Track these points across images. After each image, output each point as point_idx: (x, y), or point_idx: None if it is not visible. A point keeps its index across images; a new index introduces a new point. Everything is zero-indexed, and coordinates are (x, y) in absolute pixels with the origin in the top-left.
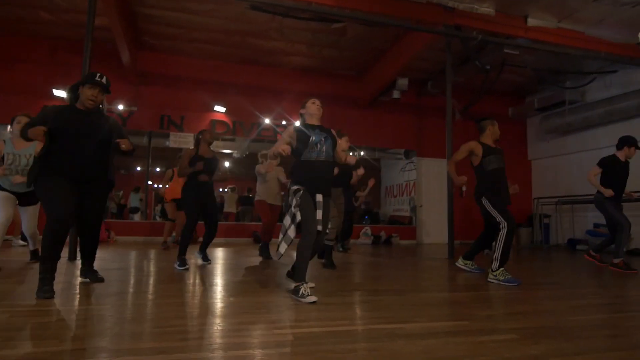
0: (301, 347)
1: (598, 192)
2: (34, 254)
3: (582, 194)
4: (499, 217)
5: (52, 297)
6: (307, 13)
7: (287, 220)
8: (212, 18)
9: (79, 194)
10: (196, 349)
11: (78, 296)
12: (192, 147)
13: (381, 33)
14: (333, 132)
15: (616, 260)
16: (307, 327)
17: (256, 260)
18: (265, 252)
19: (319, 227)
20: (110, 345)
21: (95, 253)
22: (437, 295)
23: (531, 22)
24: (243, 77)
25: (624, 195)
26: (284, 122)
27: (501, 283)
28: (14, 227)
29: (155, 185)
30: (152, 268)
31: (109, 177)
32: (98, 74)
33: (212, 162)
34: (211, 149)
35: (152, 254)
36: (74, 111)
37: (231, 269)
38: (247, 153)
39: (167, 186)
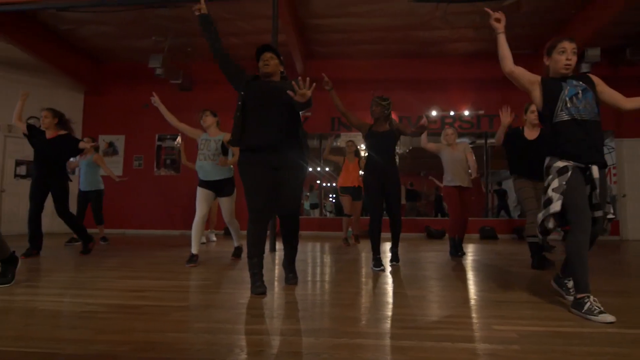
0: (530, 346)
1: None
2: (236, 251)
3: None
4: None
5: (264, 293)
6: None
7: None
8: (375, 18)
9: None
10: (418, 337)
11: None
12: (360, 144)
13: (563, 1)
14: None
15: None
16: (531, 326)
17: (433, 255)
18: (453, 250)
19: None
20: (329, 326)
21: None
22: None
23: None
24: (406, 71)
25: None
26: (451, 113)
27: None
28: (208, 223)
29: (324, 184)
30: (332, 261)
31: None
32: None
33: (389, 134)
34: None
35: (326, 248)
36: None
37: (413, 263)
38: (411, 148)
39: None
